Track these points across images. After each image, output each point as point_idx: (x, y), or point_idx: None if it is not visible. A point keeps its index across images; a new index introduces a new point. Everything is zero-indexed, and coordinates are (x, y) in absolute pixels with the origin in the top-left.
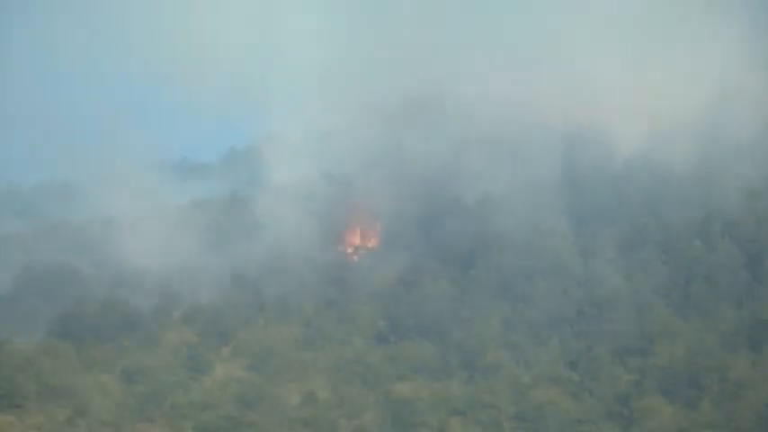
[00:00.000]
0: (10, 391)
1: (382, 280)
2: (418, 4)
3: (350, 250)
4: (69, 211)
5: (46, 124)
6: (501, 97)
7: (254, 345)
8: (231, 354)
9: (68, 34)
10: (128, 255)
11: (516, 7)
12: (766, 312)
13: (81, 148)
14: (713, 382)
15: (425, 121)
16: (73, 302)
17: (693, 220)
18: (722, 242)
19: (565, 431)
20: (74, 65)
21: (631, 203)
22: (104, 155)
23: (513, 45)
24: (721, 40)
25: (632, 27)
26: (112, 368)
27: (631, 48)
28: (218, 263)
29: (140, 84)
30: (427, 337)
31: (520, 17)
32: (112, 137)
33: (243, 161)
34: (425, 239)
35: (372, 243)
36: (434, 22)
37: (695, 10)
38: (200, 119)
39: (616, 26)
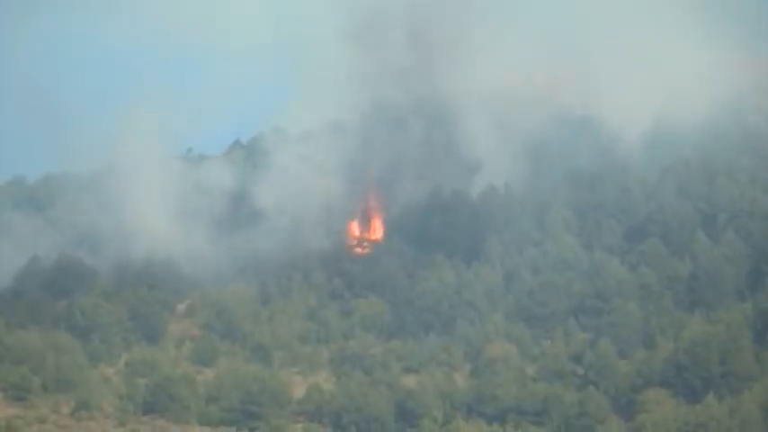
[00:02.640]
0: (15, 383)
1: (387, 273)
2: None
3: (354, 243)
4: (74, 203)
5: (50, 116)
6: (505, 89)
7: (259, 337)
8: (235, 346)
9: (74, 25)
10: (132, 247)
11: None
12: None
13: (86, 140)
14: (717, 376)
15: (430, 113)
16: (77, 295)
17: (698, 212)
18: (727, 235)
19: (569, 424)
20: (79, 56)
21: (636, 196)
22: (109, 146)
23: (516, 37)
24: (729, 35)
25: (639, 18)
26: (117, 361)
27: (637, 39)
28: (222, 256)
29: (145, 76)
30: (432, 329)
31: (524, 8)
32: (117, 129)
33: (247, 154)
34: (430, 232)
35: (377, 235)
36: (438, 15)
37: (700, 6)
38: (204, 111)
39: (622, 17)
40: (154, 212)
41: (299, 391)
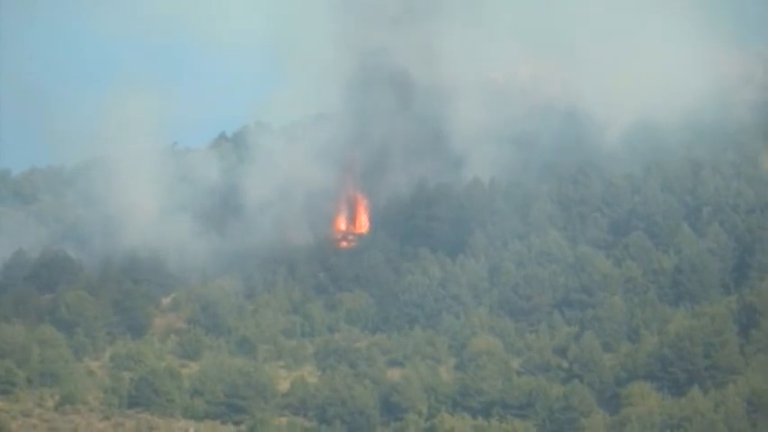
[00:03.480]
0: None
1: (372, 266)
2: None
3: (339, 236)
4: (59, 197)
5: (35, 109)
6: (490, 82)
7: (244, 331)
8: (220, 340)
9: (59, 19)
10: (117, 240)
11: None
12: (755, 298)
13: (71, 133)
14: (702, 369)
15: (416, 106)
16: (62, 288)
17: (683, 206)
18: (711, 228)
19: (554, 418)
20: (64, 50)
21: (621, 189)
22: (94, 140)
23: (501, 31)
24: (714, 28)
25: (623, 11)
26: (102, 354)
27: (622, 33)
28: (207, 249)
29: (129, 70)
30: (417, 323)
31: (508, 1)
32: (102, 122)
33: (232, 147)
34: (415, 225)
35: (362, 229)
36: (426, 7)
37: None
38: (189, 104)
39: (607, 10)
40: (139, 206)
41: (283, 385)
